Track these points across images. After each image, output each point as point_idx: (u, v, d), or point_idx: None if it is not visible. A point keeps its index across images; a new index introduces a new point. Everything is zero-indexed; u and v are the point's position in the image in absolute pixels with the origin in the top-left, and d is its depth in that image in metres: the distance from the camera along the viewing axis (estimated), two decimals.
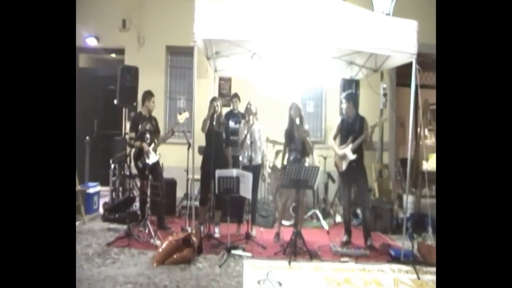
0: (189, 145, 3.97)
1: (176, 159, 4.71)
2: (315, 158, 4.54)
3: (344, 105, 3.68)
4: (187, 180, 4.41)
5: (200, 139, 3.80)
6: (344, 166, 3.58)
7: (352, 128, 3.60)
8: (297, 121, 3.58)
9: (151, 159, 3.78)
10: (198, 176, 3.90)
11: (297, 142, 3.65)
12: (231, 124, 4.66)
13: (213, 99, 3.82)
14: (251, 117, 3.86)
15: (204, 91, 4.69)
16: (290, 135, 3.67)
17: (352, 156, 3.52)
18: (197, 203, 3.83)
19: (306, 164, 3.65)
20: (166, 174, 4.32)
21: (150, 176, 3.72)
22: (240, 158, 3.98)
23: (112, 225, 4.01)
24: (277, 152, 4.54)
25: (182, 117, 3.71)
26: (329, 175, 4.94)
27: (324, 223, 4.37)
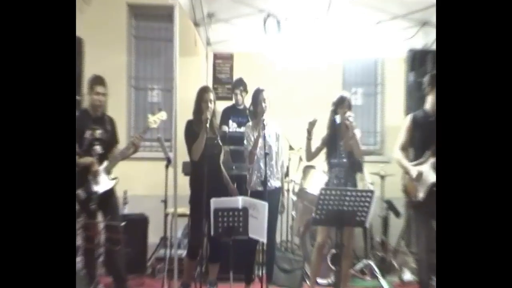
0: (169, 161, 3.93)
1: (147, 183, 4.68)
2: (367, 178, 4.44)
3: (428, 95, 3.57)
4: (166, 216, 4.36)
5: (185, 152, 3.74)
6: (421, 192, 3.46)
7: (434, 133, 3.48)
8: (339, 119, 3.55)
9: (102, 185, 3.69)
10: (183, 209, 3.80)
11: (341, 154, 3.63)
12: (233, 126, 4.65)
13: (203, 90, 3.78)
14: (264, 115, 3.80)
15: (191, 75, 4.64)
16: (332, 143, 3.67)
17: (434, 178, 3.39)
18: (181, 252, 3.76)
19: (356, 187, 3.60)
20: (132, 208, 4.26)
21: (101, 213, 3.62)
22: (248, 178, 3.92)
23: None
24: (306, 169, 4.47)
25: (156, 119, 3.66)
26: (390, 205, 4.85)
27: (383, 283, 4.30)
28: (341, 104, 3.66)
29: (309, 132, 3.68)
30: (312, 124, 3.65)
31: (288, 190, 4.62)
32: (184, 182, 3.73)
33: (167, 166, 4.01)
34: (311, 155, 3.80)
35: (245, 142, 3.91)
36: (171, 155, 3.88)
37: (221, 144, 3.82)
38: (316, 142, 3.78)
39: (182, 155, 3.76)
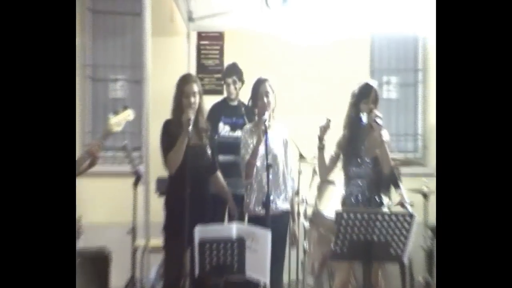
0: (138, 177, 3.96)
1: (109, 207, 4.67)
2: (405, 196, 4.46)
3: None
4: (134, 251, 4.38)
5: (160, 165, 3.77)
6: None
7: None
8: (366, 119, 3.55)
9: None
10: (157, 241, 3.81)
11: (364, 162, 3.66)
12: (225, 129, 4.67)
13: (184, 81, 3.80)
14: (266, 113, 3.82)
15: (167, 62, 4.69)
16: (351, 147, 3.69)
17: None
18: None
19: (385, 209, 3.61)
20: (89, 240, 4.25)
21: None
22: (245, 198, 3.96)
23: None
24: (323, 185, 4.47)
25: (120, 120, 3.67)
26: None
27: None
28: (365, 97, 3.63)
29: (321, 139, 3.67)
30: (324, 129, 3.63)
31: (298, 214, 4.62)
32: (159, 205, 3.76)
33: (135, 184, 4.01)
34: (326, 170, 3.80)
35: (241, 150, 3.93)
36: (141, 168, 3.89)
37: (209, 153, 3.83)
38: (331, 151, 3.77)
39: (156, 168, 3.78)
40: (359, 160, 3.68)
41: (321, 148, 3.70)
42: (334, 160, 3.79)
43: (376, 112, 3.52)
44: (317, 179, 4.63)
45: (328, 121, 3.61)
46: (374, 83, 3.73)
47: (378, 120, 3.50)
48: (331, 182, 4.28)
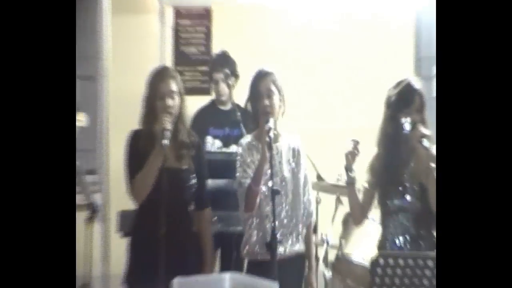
0: (93, 211, 3.98)
1: None
2: None
3: None
4: None
5: (124, 194, 3.76)
6: None
7: None
8: (409, 126, 3.55)
9: None
10: None
11: (408, 191, 3.67)
12: (216, 144, 4.72)
13: (158, 76, 3.80)
14: (271, 120, 3.79)
15: (133, 51, 4.70)
16: (388, 172, 3.70)
17: None
18: None
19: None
20: None
21: None
22: (245, 237, 3.96)
23: None
24: (350, 218, 4.53)
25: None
26: None
27: None
28: (405, 106, 3.60)
29: (349, 169, 3.69)
30: (351, 156, 3.63)
31: (317, 258, 4.61)
32: (122, 249, 3.79)
33: (90, 221, 4.02)
34: (361, 210, 3.82)
35: (237, 172, 3.94)
36: (97, 199, 3.90)
37: (192, 177, 3.83)
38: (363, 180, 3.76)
39: (118, 198, 3.78)
40: (401, 188, 3.69)
41: (351, 182, 3.71)
42: (369, 194, 3.80)
43: (422, 129, 3.50)
44: (342, 210, 4.63)
45: (356, 143, 3.60)
46: (417, 83, 3.68)
47: (425, 143, 3.48)
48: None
